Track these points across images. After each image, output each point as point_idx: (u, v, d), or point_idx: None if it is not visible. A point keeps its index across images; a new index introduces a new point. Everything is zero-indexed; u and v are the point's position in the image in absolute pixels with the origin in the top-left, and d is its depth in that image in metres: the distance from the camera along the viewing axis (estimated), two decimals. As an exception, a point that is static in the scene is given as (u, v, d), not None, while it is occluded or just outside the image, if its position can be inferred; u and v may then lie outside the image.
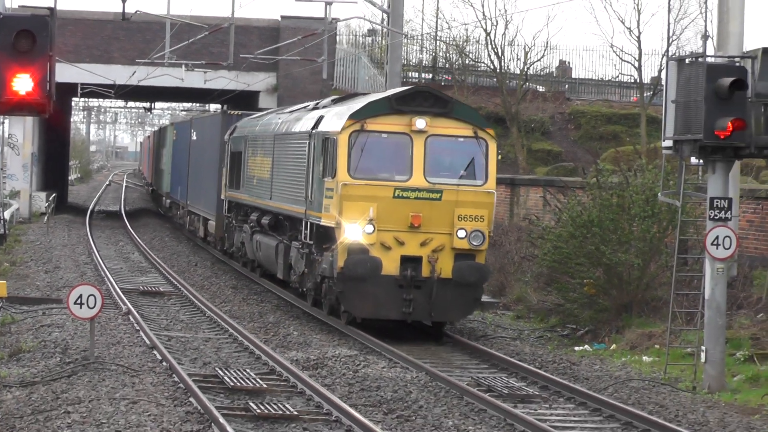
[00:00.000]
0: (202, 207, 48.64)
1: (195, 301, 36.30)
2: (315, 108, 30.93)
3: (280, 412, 19.94)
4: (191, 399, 20.70)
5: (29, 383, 22.10)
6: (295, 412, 19.99)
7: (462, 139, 22.90)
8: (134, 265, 48.23)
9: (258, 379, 23.33)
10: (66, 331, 27.89)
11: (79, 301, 24.31)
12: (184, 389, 21.73)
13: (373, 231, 21.63)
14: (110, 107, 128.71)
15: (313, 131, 26.00)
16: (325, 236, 24.49)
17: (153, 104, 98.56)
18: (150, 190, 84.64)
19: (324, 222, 23.76)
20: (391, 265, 21.84)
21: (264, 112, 43.22)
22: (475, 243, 21.96)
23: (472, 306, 23.46)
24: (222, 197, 43.21)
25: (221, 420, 18.09)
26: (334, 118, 23.73)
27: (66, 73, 52.69)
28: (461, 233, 22.07)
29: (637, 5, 58.56)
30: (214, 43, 59.16)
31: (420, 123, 21.97)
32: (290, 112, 34.58)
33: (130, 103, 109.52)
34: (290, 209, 29.37)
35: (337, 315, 24.97)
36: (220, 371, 23.94)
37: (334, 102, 30.01)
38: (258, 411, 19.93)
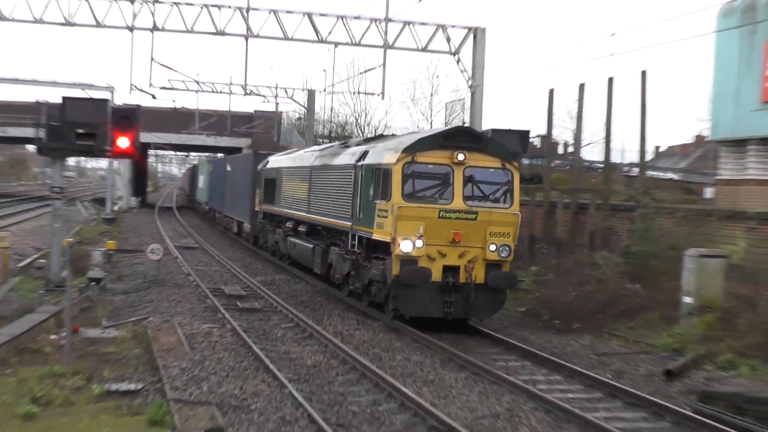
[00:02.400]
0: (236, 214, 54.82)
1: (214, 254, 46.05)
2: (345, 146, 31.52)
3: (252, 307, 28.12)
4: (208, 300, 29.13)
5: (126, 292, 30.83)
6: (259, 306, 28.23)
7: (492, 170, 22.84)
8: (179, 234, 60.58)
9: (242, 291, 31.77)
10: (145, 266, 36.23)
11: (151, 251, 33.72)
12: (204, 295, 30.22)
13: (422, 245, 21.67)
14: (167, 154, 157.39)
15: (359, 163, 25.65)
16: (375, 247, 24.15)
17: (189, 153, 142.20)
18: (188, 197, 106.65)
19: (376, 236, 23.34)
20: (435, 273, 21.92)
21: (288, 152, 46.72)
22: (503, 255, 22.26)
23: (499, 306, 23.54)
24: (256, 209, 45.75)
25: (222, 310, 26.54)
26: (387, 153, 23.24)
27: (144, 137, 61.70)
28: (492, 247, 22.27)
29: (430, 104, 75.53)
30: (220, 122, 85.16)
31: (460, 156, 22.05)
32: (319, 150, 35.19)
33: (178, 153, 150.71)
34: (331, 222, 29.00)
35: (380, 309, 25.03)
36: (222, 287, 32.65)
37: (366, 141, 29.86)
38: (240, 306, 28.13)
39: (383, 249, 23.38)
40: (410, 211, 22.03)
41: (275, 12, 47.19)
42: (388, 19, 46.34)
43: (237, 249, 50.09)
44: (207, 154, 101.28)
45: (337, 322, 25.99)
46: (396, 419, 15.88)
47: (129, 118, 28.51)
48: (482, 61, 46.33)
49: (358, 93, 64.77)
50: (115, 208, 71.79)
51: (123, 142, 28.10)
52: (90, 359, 19.59)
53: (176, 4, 46.46)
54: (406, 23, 46.83)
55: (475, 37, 46.72)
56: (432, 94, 72.71)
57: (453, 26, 47.46)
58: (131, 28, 46.47)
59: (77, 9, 45.53)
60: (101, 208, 75.81)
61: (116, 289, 31.00)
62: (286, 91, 63.81)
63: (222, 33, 46.87)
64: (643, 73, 27.96)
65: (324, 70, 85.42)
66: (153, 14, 46.51)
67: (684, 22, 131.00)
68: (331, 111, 77.40)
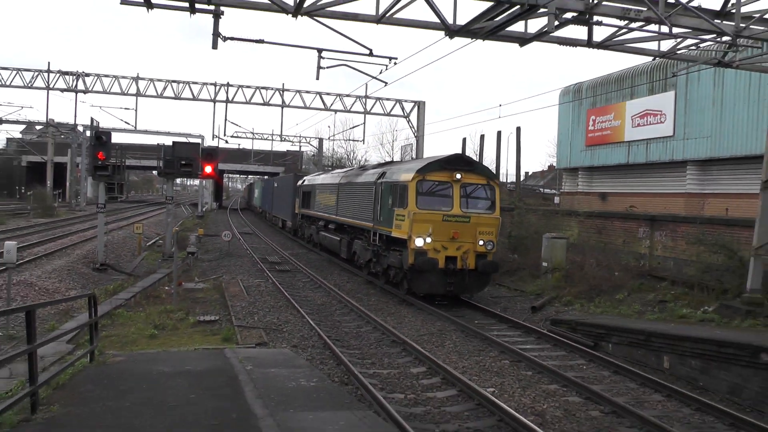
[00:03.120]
0: (281, 215, 51.15)
1: (263, 238, 44.60)
2: (363, 169, 29.01)
3: (284, 269, 28.05)
4: (258, 265, 29.06)
5: (210, 260, 30.67)
6: (289, 269, 28.20)
7: (480, 186, 20.31)
8: (242, 225, 58.13)
9: (278, 260, 31.22)
10: (222, 244, 34.93)
11: (224, 235, 33.01)
12: (256, 262, 30.10)
13: (431, 241, 19.27)
14: (234, 176, 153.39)
15: (378, 181, 22.96)
16: (392, 242, 21.38)
17: (247, 175, 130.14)
18: (247, 203, 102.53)
19: (394, 234, 20.66)
20: (440, 262, 19.52)
21: (317, 173, 42.93)
22: (488, 248, 19.75)
23: (485, 285, 20.83)
24: (296, 211, 42.25)
25: (266, 271, 26.83)
26: (404, 173, 20.83)
27: (221, 166, 65.60)
28: (481, 242, 19.75)
29: (392, 146, 72.00)
30: (266, 157, 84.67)
31: (458, 175, 19.73)
32: (343, 173, 32.12)
33: (241, 175, 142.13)
34: (355, 222, 25.73)
35: (396, 287, 21.98)
36: (267, 257, 32.08)
37: (381, 165, 27.21)
38: (278, 269, 28.05)
39: (400, 243, 20.74)
40: (422, 216, 19.53)
41: (299, 91, 47.47)
42: (366, 96, 47.00)
43: (277, 234, 49.06)
44: (258, 176, 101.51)
45: (336, 278, 25.86)
46: (371, 336, 15.96)
47: (212, 154, 29.00)
48: (423, 121, 46.74)
49: (348, 140, 64.67)
50: (204, 209, 71.55)
51: (208, 169, 28.55)
52: (188, 301, 19.71)
53: (240, 86, 46.92)
54: (377, 99, 47.45)
55: (418, 107, 47.10)
56: (393, 141, 72.85)
57: (406, 100, 47.74)
58: (214, 101, 46.98)
59: (183, 89, 46.23)
60: (195, 209, 75.48)
61: (204, 259, 30.85)
62: (305, 139, 64.17)
63: (267, 104, 47.02)
64: (518, 128, 28.37)
65: (328, 126, 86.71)
66: (227, 92, 46.78)
67: (541, 98, 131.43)
68: (332, 150, 77.66)
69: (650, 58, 17.43)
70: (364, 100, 47.30)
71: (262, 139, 58.68)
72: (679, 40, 14.79)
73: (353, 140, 64.04)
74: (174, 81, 46.00)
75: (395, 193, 21.04)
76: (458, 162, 20.58)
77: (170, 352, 11.92)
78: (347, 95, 47.46)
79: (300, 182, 41.16)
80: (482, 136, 20.97)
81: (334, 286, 23.43)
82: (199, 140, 61.18)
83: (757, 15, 14.04)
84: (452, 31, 13.20)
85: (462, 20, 13.28)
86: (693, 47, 15.78)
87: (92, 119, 32.73)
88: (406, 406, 10.77)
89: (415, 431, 9.26)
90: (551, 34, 13.07)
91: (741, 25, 13.52)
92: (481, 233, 20.12)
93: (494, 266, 20.41)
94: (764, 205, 17.34)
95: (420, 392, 11.58)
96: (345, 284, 24.25)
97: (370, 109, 47.82)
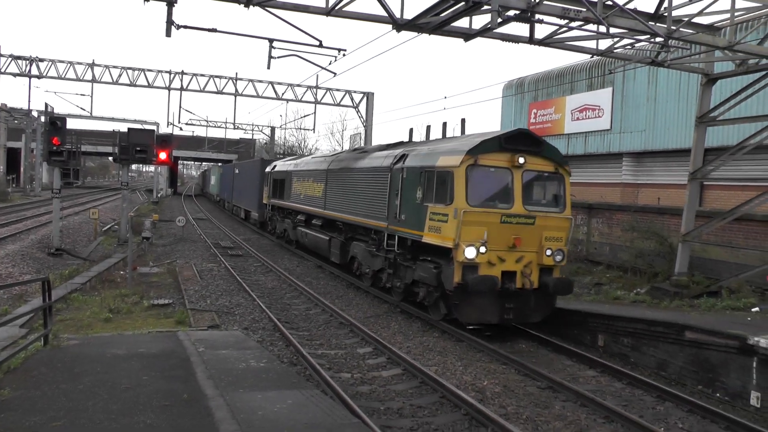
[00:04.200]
0: (244, 204, 45.14)
1: (216, 223, 44.26)
2: (363, 152, 21.97)
3: (237, 254, 27.78)
4: (212, 249, 28.73)
5: (164, 245, 30.11)
6: (241, 253, 27.94)
7: (547, 174, 14.93)
8: (196, 211, 57.43)
9: (231, 244, 30.70)
10: (176, 229, 35.08)
11: (179, 221, 33.25)
12: (209, 246, 29.72)
13: (485, 251, 13.88)
14: (188, 163, 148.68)
15: (396, 165, 17.07)
16: (421, 249, 15.75)
17: (201, 162, 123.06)
18: (201, 190, 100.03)
19: (428, 240, 14.94)
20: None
21: (292, 158, 35.97)
22: (557, 259, 14.57)
23: (549, 310, 14.93)
24: (264, 202, 35.17)
25: (219, 255, 26.53)
26: (445, 154, 14.99)
27: (176, 153, 65.63)
28: (548, 252, 14.50)
29: (342, 136, 73.40)
30: (219, 144, 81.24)
31: (521, 159, 14.33)
32: (332, 156, 25.00)
33: (195, 162, 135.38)
34: (355, 220, 19.76)
35: (424, 309, 16.16)
36: (219, 242, 31.67)
37: (392, 146, 20.41)
38: (230, 254, 27.69)
39: (435, 252, 14.95)
40: (475, 216, 13.88)
41: (252, 81, 46.80)
42: (317, 87, 46.82)
43: (229, 220, 48.07)
44: (212, 163, 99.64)
45: (287, 263, 25.69)
46: (320, 318, 15.95)
47: (166, 141, 28.28)
48: (372, 112, 46.92)
49: (300, 129, 64.45)
50: (159, 195, 70.50)
51: (162, 155, 27.90)
52: (143, 285, 19.38)
53: (194, 75, 46.14)
54: (328, 89, 47.33)
55: (367, 97, 47.19)
56: (343, 130, 73.11)
57: (355, 91, 47.79)
58: (169, 89, 46.05)
59: (138, 76, 45.17)
60: (151, 195, 74.29)
61: (158, 244, 30.47)
62: (258, 127, 63.36)
63: (221, 92, 46.38)
64: (463, 120, 28.70)
65: (280, 115, 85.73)
66: (182, 80, 45.94)
67: (485, 91, 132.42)
68: (284, 139, 77.33)
69: (589, 56, 17.78)
70: (314, 90, 47.17)
71: (216, 126, 57.59)
72: (616, 39, 15.33)
73: (304, 129, 63.83)
74: (129, 68, 44.94)
75: (430, 183, 15.22)
76: (521, 140, 14.67)
77: (124, 336, 11.76)
78: (298, 85, 47.16)
79: (269, 168, 34.63)
80: (428, 127, 20.98)
81: (285, 270, 23.30)
82: (154, 127, 59.92)
83: (687, 19, 14.64)
84: (399, 24, 13.31)
85: (409, 15, 13.42)
86: (629, 47, 16.37)
87: (47, 105, 32.11)
88: (353, 385, 10.84)
89: (361, 408, 9.31)
90: (494, 31, 13.26)
91: (672, 27, 14.03)
92: (549, 239, 14.56)
93: (568, 286, 14.65)
94: (691, 195, 18.02)
95: (366, 371, 11.67)
96: (295, 269, 24.11)
97: (321, 99, 47.69)
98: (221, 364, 9.35)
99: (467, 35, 13.86)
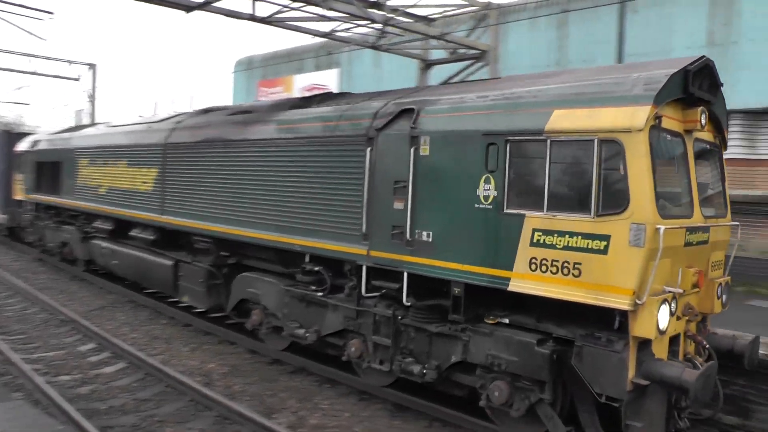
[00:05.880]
0: None
1: None
2: (306, 101, 11.15)
3: None
4: None
5: None
6: None
7: (709, 147, 7.53)
8: None
9: None
10: None
11: None
12: None
13: (677, 309, 6.43)
14: None
15: (396, 131, 8.17)
16: (475, 302, 7.49)
17: None
18: None
19: (534, 289, 6.50)
20: (663, 356, 6.43)
21: (73, 127, 24.02)
22: (724, 299, 7.58)
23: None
24: (19, 198, 23.41)
25: None
26: (588, 107, 6.25)
27: None
28: (718, 290, 7.39)
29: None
30: None
31: (703, 119, 6.75)
32: (182, 118, 14.18)
33: None
34: (272, 239, 10.10)
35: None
36: None
37: (334, 99, 10.67)
38: None
39: (529, 309, 7.25)
40: (674, 237, 6.27)
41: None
42: (32, 55, 42.01)
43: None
44: None
45: (1, 257, 22.99)
46: (38, 317, 14.52)
47: None
48: (95, 84, 43.52)
49: (15, 103, 57.18)
50: None
51: None
52: None
53: None
54: (47, 58, 42.70)
55: (93, 69, 43.74)
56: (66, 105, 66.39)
57: (78, 62, 43.85)
58: None
59: None
60: None
61: None
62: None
63: None
64: (192, 96, 27.76)
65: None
66: None
67: (222, 64, 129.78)
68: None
69: (313, 37, 18.42)
70: (28, 59, 42.35)
71: None
72: (338, 23, 15.92)
73: (20, 103, 57.11)
74: None
75: (529, 168, 6.90)
76: (704, 78, 6.99)
77: None
78: (11, 52, 42.24)
79: (26, 146, 22.80)
80: (156, 103, 20.40)
81: (-2, 264, 21.01)
82: None
83: (402, 8, 15.83)
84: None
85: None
86: (350, 30, 17.13)
87: None
88: (72, 387, 9.98)
89: (80, 412, 8.54)
90: (215, 5, 13.16)
91: (389, 15, 15.09)
92: (715, 266, 7.78)
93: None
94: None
95: (88, 370, 10.82)
96: (12, 264, 21.62)
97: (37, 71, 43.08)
98: None
99: (188, 7, 13.46)
